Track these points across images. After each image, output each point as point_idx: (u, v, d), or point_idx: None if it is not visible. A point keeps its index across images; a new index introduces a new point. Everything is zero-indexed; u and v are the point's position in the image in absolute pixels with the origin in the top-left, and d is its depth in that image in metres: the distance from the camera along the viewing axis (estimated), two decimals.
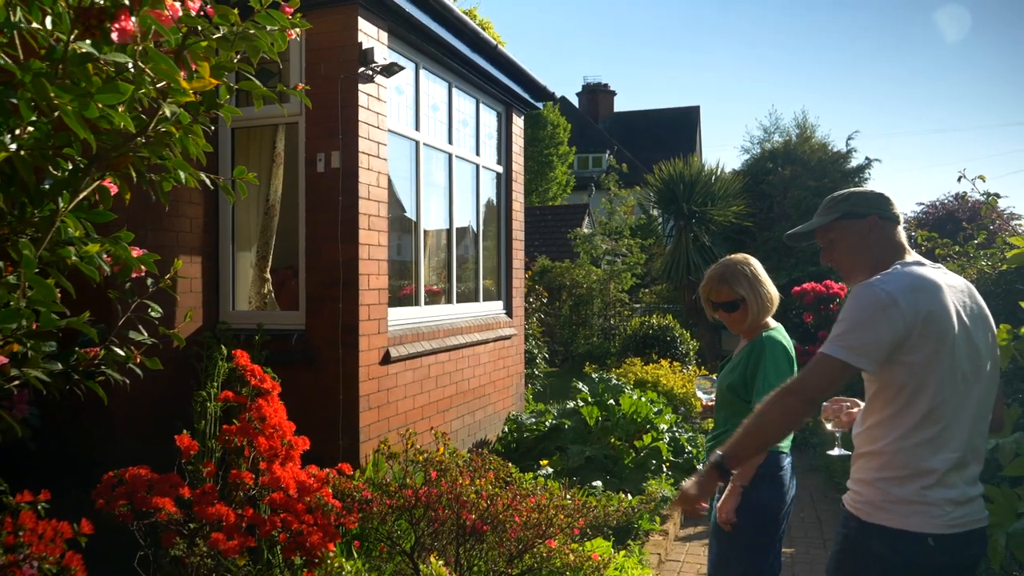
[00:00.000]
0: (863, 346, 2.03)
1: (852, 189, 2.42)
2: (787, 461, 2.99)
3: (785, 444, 2.98)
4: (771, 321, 3.09)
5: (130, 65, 1.81)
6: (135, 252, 2.17)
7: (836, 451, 2.67)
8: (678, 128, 36.19)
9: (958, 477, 2.07)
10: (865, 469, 2.17)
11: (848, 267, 2.35)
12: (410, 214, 5.93)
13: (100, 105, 1.65)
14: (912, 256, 2.26)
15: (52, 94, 1.57)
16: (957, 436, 2.07)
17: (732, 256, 3.11)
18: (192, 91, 1.91)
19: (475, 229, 7.05)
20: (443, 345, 5.83)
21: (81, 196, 1.94)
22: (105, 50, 1.71)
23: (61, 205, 1.89)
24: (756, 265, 3.08)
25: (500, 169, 7.44)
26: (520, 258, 7.78)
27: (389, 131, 5.21)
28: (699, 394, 3.37)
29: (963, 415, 2.08)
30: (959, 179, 4.25)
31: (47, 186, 1.91)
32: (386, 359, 5.02)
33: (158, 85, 1.86)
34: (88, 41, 1.70)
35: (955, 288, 2.16)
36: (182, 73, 1.88)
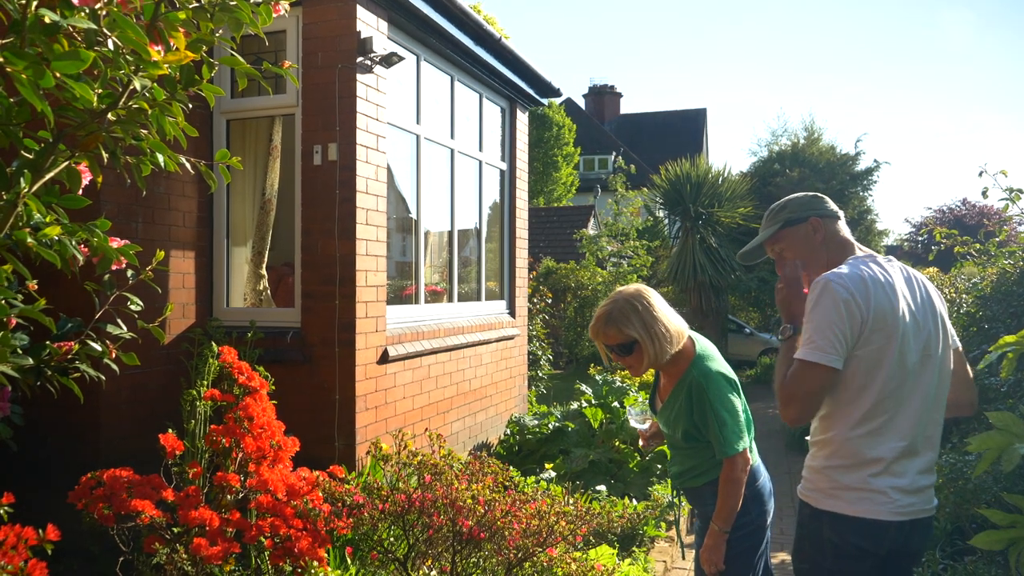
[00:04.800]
0: (832, 344, 2.08)
1: (788, 197, 2.46)
2: (761, 472, 2.82)
3: (754, 458, 2.80)
4: (689, 343, 2.73)
5: (109, 43, 1.68)
6: (114, 242, 2.03)
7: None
8: (685, 130, 36.06)
9: (907, 465, 2.13)
10: (816, 457, 2.24)
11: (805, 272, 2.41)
12: (410, 210, 5.79)
13: (58, 75, 1.51)
14: (863, 251, 2.31)
15: (1, 60, 1.43)
16: (904, 425, 2.13)
17: (623, 289, 2.73)
18: (167, 65, 1.77)
19: (477, 227, 6.90)
20: (444, 345, 5.69)
21: (46, 178, 1.80)
22: (67, 14, 1.57)
23: (23, 187, 1.75)
24: (651, 296, 2.69)
25: (504, 166, 7.30)
26: (524, 257, 7.63)
27: (388, 124, 5.07)
28: (633, 423, 3.16)
29: (911, 404, 2.14)
30: (980, 174, 4.09)
31: (15, 167, 1.78)
32: (384, 358, 4.88)
33: (130, 60, 1.72)
34: (57, 11, 1.57)
35: (904, 280, 2.21)
36: (157, 47, 1.74)
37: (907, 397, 2.14)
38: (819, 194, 2.42)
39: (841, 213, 2.41)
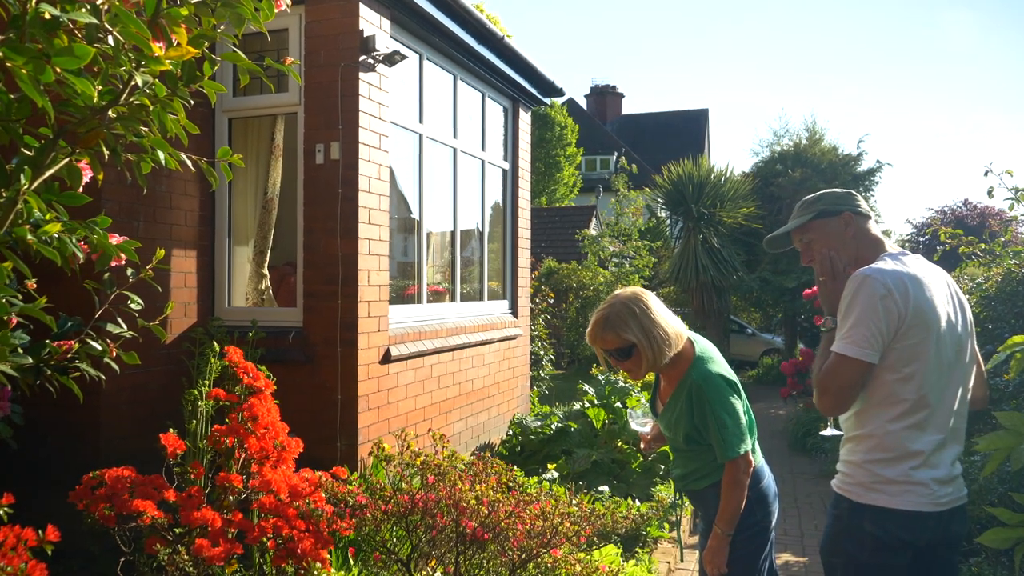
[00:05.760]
0: (867, 339, 2.11)
1: (823, 190, 2.49)
2: (765, 473, 2.79)
3: (758, 460, 2.77)
4: (688, 345, 2.70)
5: (110, 39, 1.66)
6: (114, 239, 2.01)
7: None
8: (687, 131, 35.99)
9: (941, 457, 2.19)
10: (855, 452, 2.26)
11: None
12: (413, 210, 5.77)
13: (58, 70, 1.49)
14: (895, 248, 2.33)
15: (1, 55, 1.41)
16: (941, 419, 2.19)
17: (620, 292, 2.67)
18: (168, 61, 1.75)
19: (480, 227, 6.88)
20: (446, 344, 5.67)
21: (46, 175, 1.78)
22: (68, 9, 1.55)
23: (23, 184, 1.73)
24: (649, 300, 2.64)
25: (506, 166, 7.28)
26: (526, 257, 7.61)
27: (391, 123, 5.05)
28: (634, 426, 3.14)
29: (946, 399, 2.20)
30: (985, 173, 4.07)
31: (15, 164, 1.76)
32: (386, 358, 4.86)
33: (132, 56, 1.70)
34: (58, 6, 1.55)
35: (937, 278, 2.26)
36: (159, 42, 1.72)
37: (945, 391, 2.20)
38: (854, 192, 2.45)
39: (872, 214, 2.44)
